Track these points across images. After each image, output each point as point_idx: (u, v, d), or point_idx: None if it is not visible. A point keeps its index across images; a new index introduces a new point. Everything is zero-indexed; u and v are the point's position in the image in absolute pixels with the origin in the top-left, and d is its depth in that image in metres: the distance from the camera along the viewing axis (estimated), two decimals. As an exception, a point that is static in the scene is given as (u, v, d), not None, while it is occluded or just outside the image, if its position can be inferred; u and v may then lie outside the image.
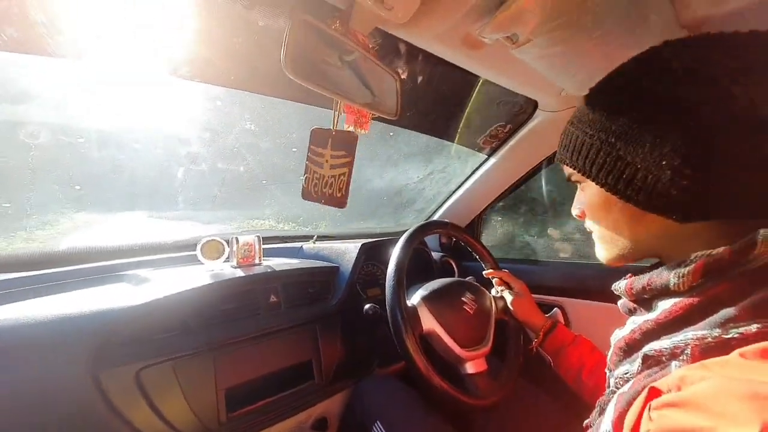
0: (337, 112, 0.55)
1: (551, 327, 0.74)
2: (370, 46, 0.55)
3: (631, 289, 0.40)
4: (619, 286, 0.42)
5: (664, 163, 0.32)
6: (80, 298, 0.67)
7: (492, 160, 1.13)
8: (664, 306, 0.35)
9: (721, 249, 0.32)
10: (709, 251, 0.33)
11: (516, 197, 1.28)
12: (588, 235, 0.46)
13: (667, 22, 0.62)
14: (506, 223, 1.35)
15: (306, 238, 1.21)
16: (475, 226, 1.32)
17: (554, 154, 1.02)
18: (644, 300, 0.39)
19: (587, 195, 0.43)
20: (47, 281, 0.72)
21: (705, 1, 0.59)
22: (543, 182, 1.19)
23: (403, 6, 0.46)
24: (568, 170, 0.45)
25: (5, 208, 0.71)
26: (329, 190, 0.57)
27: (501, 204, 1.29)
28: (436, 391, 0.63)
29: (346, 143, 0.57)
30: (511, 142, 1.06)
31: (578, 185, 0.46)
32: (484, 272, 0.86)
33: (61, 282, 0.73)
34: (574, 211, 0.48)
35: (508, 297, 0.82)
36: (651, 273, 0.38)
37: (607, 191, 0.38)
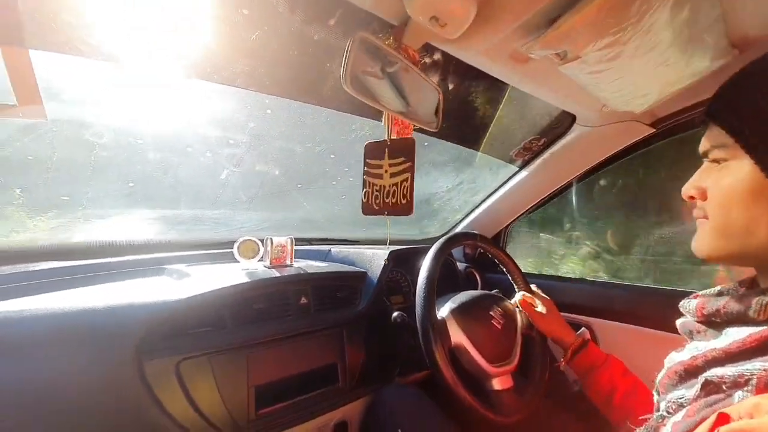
0: (388, 124, 0.56)
1: (581, 345, 0.71)
2: (419, 60, 0.57)
3: (703, 309, 0.38)
4: (689, 305, 0.39)
5: None
6: (126, 289, 0.70)
7: (523, 173, 1.12)
8: (737, 335, 0.33)
9: None
10: None
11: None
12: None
13: (717, 42, 0.60)
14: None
15: (332, 241, 1.23)
16: (502, 238, 1.30)
17: (595, 167, 1.00)
18: (714, 323, 0.37)
19: (732, 175, 0.35)
20: (95, 271, 0.77)
21: (757, 22, 0.57)
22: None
23: (456, 23, 0.47)
24: (714, 138, 0.37)
25: (64, 201, 0.76)
26: (392, 199, 0.57)
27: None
28: (462, 404, 0.63)
29: (405, 149, 0.58)
30: (545, 155, 1.04)
31: (711, 162, 0.37)
32: (517, 298, 0.83)
33: (107, 272, 0.77)
34: (690, 190, 0.39)
35: (534, 314, 0.79)
36: (728, 296, 0.36)
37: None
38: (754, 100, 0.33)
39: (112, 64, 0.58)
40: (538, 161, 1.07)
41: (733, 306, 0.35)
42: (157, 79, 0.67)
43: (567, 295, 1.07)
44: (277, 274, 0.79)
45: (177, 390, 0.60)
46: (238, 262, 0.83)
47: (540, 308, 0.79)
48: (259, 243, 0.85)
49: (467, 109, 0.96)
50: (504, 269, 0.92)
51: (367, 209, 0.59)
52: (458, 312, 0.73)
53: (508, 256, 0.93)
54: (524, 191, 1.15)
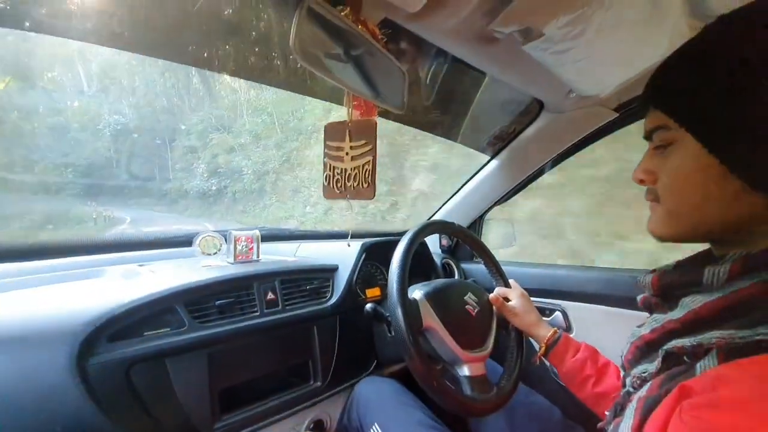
0: (349, 105, 0.53)
1: (555, 338, 0.71)
2: (380, 37, 0.54)
3: (658, 282, 0.38)
4: (645, 280, 0.40)
5: None
6: (69, 291, 0.64)
7: (495, 161, 1.12)
8: (692, 305, 0.33)
9: (760, 248, 0.31)
10: (748, 250, 0.31)
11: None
12: None
13: (678, 23, 0.61)
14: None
15: (304, 237, 1.19)
16: (477, 227, 1.30)
17: (563, 153, 1.01)
18: (670, 296, 0.37)
19: (677, 158, 0.34)
20: (36, 273, 0.70)
21: (718, 4, 0.59)
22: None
23: (415, -6, 0.45)
24: (654, 120, 0.36)
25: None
26: (353, 183, 0.54)
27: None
28: (431, 388, 0.61)
29: (366, 131, 0.55)
30: (515, 143, 1.05)
31: (655, 147, 0.37)
32: (490, 296, 0.82)
33: (51, 274, 0.70)
34: (640, 174, 0.39)
35: (507, 310, 0.78)
36: (681, 268, 0.37)
37: (716, 157, 0.31)
38: (689, 81, 0.33)
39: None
40: (509, 149, 1.07)
41: (687, 277, 0.35)
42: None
43: (540, 281, 1.08)
44: (242, 270, 0.74)
45: (127, 396, 0.56)
46: (198, 258, 0.78)
47: (514, 302, 0.78)
48: (222, 238, 0.80)
49: (437, 96, 0.95)
50: (479, 257, 0.91)
51: (329, 193, 0.56)
52: (431, 295, 0.71)
53: (481, 244, 0.92)
54: (497, 179, 1.16)
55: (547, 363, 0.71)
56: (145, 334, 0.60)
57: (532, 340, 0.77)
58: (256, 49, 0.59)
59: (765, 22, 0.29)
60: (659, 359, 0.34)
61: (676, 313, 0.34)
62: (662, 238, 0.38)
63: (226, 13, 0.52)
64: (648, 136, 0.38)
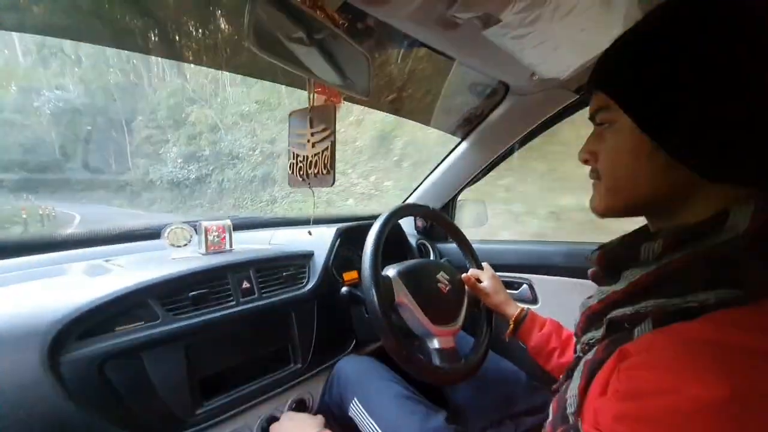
0: (311, 91, 0.53)
1: (522, 316, 0.76)
2: (340, 22, 0.53)
3: (603, 258, 0.41)
4: (593, 256, 0.43)
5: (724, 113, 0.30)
6: (34, 290, 0.62)
7: (465, 144, 1.14)
8: (631, 277, 0.36)
9: (690, 222, 0.34)
10: (678, 224, 0.35)
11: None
12: None
13: (629, 9, 0.64)
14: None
15: (277, 224, 1.19)
16: (449, 208, 1.34)
17: (527, 135, 1.05)
18: (613, 270, 0.40)
19: (615, 137, 0.38)
20: (7, 271, 0.67)
21: None
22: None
23: (372, -21, 0.44)
24: (597, 102, 0.39)
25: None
26: (314, 170, 0.55)
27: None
28: (403, 359, 0.65)
29: (325, 116, 0.55)
30: (483, 125, 1.07)
31: (598, 126, 0.40)
32: (463, 276, 0.86)
33: (9, 274, 0.67)
34: (584, 155, 0.42)
35: (479, 290, 0.83)
36: (622, 244, 0.40)
37: (644, 132, 0.34)
38: (626, 64, 0.36)
39: None
40: (478, 131, 1.10)
41: (627, 252, 0.39)
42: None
43: (507, 257, 1.14)
44: (214, 261, 0.74)
45: (103, 391, 0.56)
46: (168, 251, 0.77)
47: (486, 283, 0.83)
48: (192, 229, 0.79)
49: (405, 80, 0.95)
50: (451, 238, 0.95)
51: (293, 182, 0.56)
52: (404, 273, 0.74)
53: (453, 225, 0.96)
54: (467, 161, 1.19)
55: (517, 339, 0.76)
56: (116, 329, 0.59)
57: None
58: (213, 35, 0.57)
59: (703, 11, 0.31)
60: (604, 327, 0.38)
61: (618, 285, 0.38)
62: (603, 214, 0.42)
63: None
64: (592, 117, 0.41)
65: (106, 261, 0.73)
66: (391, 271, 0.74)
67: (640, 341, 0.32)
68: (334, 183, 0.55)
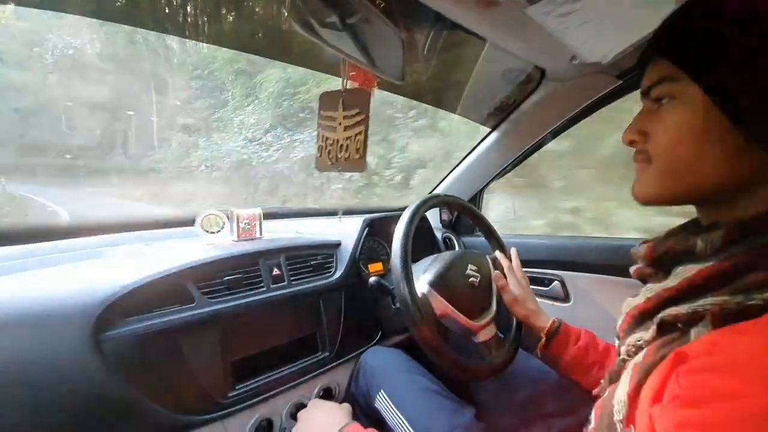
0: (345, 73, 0.52)
1: (555, 328, 0.69)
2: (377, 1, 0.52)
3: (653, 252, 0.38)
4: (639, 250, 0.40)
5: None
6: (79, 271, 0.65)
7: (496, 134, 1.11)
8: (686, 273, 0.33)
9: (747, 213, 0.31)
10: (737, 216, 0.32)
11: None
12: None
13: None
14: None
15: (305, 214, 1.20)
16: (477, 200, 1.31)
17: (565, 123, 1.00)
18: (663, 266, 0.37)
19: (678, 113, 0.33)
20: (49, 253, 0.71)
21: None
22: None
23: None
24: (658, 72, 0.35)
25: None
26: (345, 154, 0.54)
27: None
28: (433, 351, 0.64)
29: (359, 100, 0.54)
30: (516, 114, 1.03)
31: (654, 103, 0.36)
32: (493, 274, 0.80)
33: (52, 256, 0.71)
34: (631, 135, 0.38)
35: (507, 295, 0.76)
36: (675, 237, 0.37)
37: (720, 109, 0.30)
38: (700, 28, 0.31)
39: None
40: (509, 120, 1.06)
41: (680, 245, 0.35)
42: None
43: (538, 252, 1.10)
44: (247, 247, 0.75)
45: (145, 369, 0.58)
46: (202, 237, 0.79)
47: (514, 288, 0.76)
48: (224, 216, 0.81)
49: (436, 67, 0.92)
50: (479, 231, 0.92)
51: (321, 165, 0.56)
52: (437, 282, 0.72)
53: (481, 216, 0.93)
54: (498, 152, 1.15)
55: (548, 354, 0.69)
56: (156, 310, 0.61)
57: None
58: (249, 19, 0.57)
59: None
60: (654, 327, 0.35)
61: (670, 282, 0.34)
62: (650, 202, 0.38)
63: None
64: (646, 92, 0.37)
65: (145, 245, 0.76)
66: (424, 287, 0.72)
67: (699, 343, 0.29)
68: (365, 168, 0.54)
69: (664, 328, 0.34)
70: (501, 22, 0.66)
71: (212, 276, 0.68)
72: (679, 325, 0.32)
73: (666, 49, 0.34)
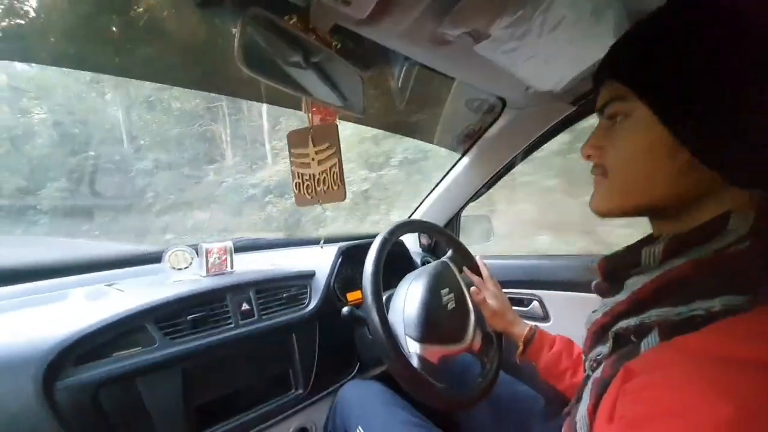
0: (309, 111, 0.54)
1: (531, 335, 0.71)
2: (333, 44, 0.55)
3: (604, 267, 0.39)
4: (595, 266, 0.41)
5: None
6: (33, 317, 0.62)
7: (466, 159, 1.15)
8: (633, 286, 0.34)
9: (691, 226, 0.32)
10: (680, 229, 0.33)
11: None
12: None
13: (618, 18, 0.65)
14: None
15: (281, 245, 1.19)
16: (454, 223, 1.33)
17: (528, 148, 1.05)
18: (616, 279, 0.38)
19: (629, 131, 0.34)
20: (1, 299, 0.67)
21: None
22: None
23: (360, 0, 0.46)
24: (610, 92, 0.36)
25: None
26: (324, 186, 0.55)
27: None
28: (407, 383, 0.61)
29: (328, 134, 0.56)
30: (482, 140, 1.07)
31: (609, 120, 0.37)
32: (472, 290, 0.80)
33: (9, 301, 0.68)
34: (589, 150, 0.38)
35: (486, 309, 0.78)
36: (623, 251, 0.38)
37: (668, 128, 0.31)
38: (648, 50, 0.33)
39: None
40: (477, 146, 1.10)
41: (627, 259, 0.36)
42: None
43: (516, 272, 1.11)
44: (214, 282, 0.73)
45: (96, 419, 0.54)
46: (169, 274, 0.77)
47: (491, 301, 0.77)
48: (193, 252, 0.79)
49: (410, 100, 0.97)
50: (448, 247, 0.92)
51: (301, 201, 0.57)
52: (423, 335, 0.68)
53: (455, 240, 0.94)
54: (469, 176, 1.18)
55: (527, 361, 0.72)
56: (114, 354, 0.58)
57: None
58: (204, 59, 0.59)
59: None
60: (610, 341, 0.35)
61: (622, 296, 0.35)
62: (605, 214, 0.38)
63: (168, 23, 0.52)
64: (601, 110, 0.38)
65: (108, 285, 0.73)
66: (415, 346, 0.68)
67: (644, 358, 0.29)
68: (345, 197, 0.55)
69: (619, 342, 0.35)
70: (456, 59, 0.70)
71: (175, 315, 0.66)
72: (632, 338, 0.33)
73: (615, 70, 0.36)
